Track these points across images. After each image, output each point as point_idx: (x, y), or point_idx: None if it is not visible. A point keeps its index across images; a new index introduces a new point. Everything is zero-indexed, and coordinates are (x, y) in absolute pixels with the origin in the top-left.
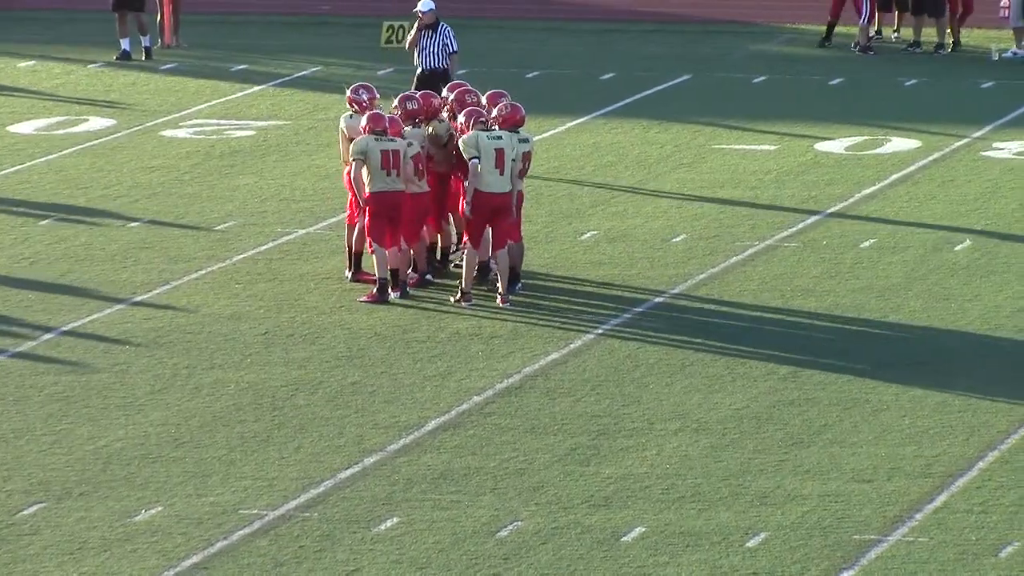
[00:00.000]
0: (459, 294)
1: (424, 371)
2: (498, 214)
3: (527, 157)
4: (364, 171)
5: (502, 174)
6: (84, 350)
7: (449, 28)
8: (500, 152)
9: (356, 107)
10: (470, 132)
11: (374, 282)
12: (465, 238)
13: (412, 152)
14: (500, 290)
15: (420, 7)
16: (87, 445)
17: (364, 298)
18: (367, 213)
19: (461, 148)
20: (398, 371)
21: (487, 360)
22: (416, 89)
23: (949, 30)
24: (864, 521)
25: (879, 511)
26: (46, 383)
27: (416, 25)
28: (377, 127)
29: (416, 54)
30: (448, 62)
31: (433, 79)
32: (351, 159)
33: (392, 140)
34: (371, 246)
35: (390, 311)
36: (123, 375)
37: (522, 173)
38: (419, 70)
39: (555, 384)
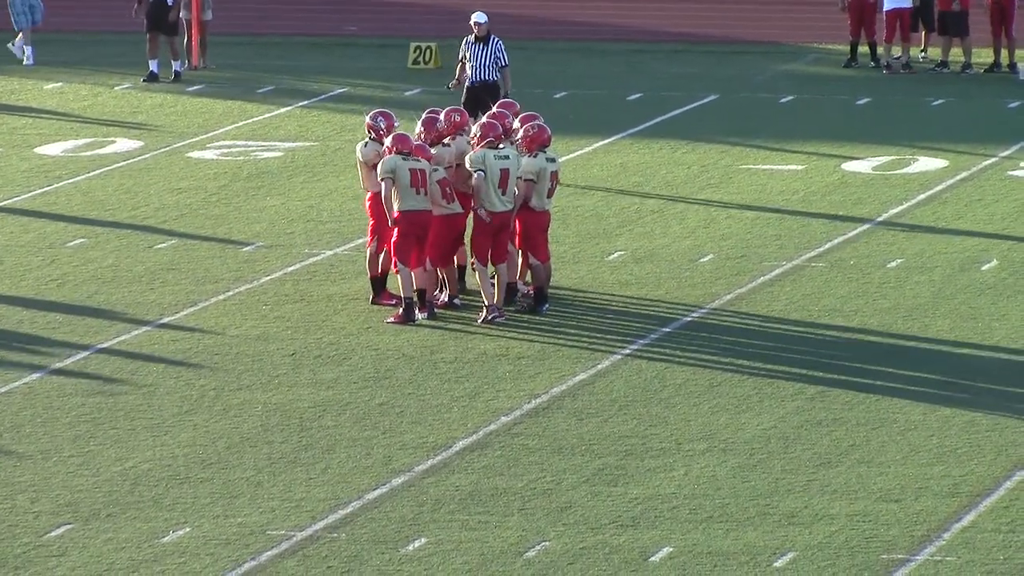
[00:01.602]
0: (485, 312)
1: (452, 392)
2: (501, 231)
3: (555, 177)
4: (393, 191)
5: (504, 193)
6: (111, 371)
7: (501, 42)
8: (505, 172)
9: (373, 133)
10: (478, 150)
11: (395, 304)
12: (473, 258)
13: (438, 176)
14: (487, 303)
15: (475, 18)
16: (114, 466)
17: (391, 319)
18: (396, 232)
19: (467, 164)
20: (425, 392)
21: (514, 381)
22: (465, 102)
23: (991, 49)
24: (892, 541)
25: (907, 531)
26: (73, 404)
27: (467, 39)
28: (404, 148)
29: (467, 67)
30: (499, 75)
31: (484, 92)
32: (380, 179)
33: (418, 160)
34: (395, 266)
35: (417, 332)
36: (150, 396)
37: (550, 193)
38: (468, 83)
39: (582, 404)
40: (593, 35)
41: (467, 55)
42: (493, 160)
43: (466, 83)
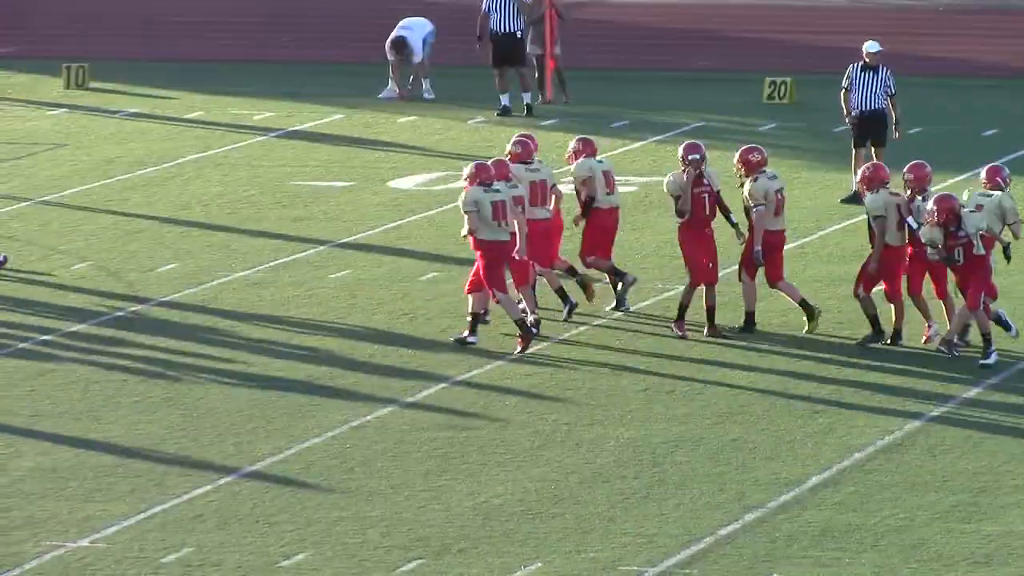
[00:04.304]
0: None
1: (805, 428)
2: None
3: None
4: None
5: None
6: (464, 405)
7: (889, 70)
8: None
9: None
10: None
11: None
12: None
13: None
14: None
15: (868, 47)
16: (466, 501)
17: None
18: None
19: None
20: (779, 427)
21: (868, 416)
22: (855, 133)
23: None
24: None
25: None
26: (425, 439)
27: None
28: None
29: (852, 95)
30: (888, 103)
31: (873, 120)
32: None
33: (498, 191)
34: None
35: (772, 367)
36: (503, 431)
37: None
38: (857, 113)
39: (936, 441)
40: (937, 69)
41: (851, 84)
42: (483, 195)
43: (854, 113)
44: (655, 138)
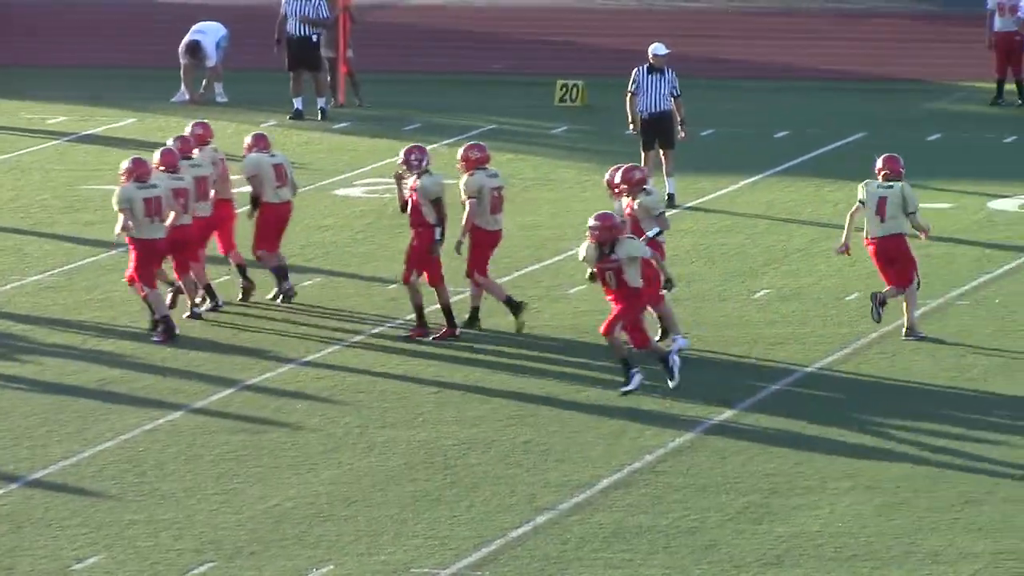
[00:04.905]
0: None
1: (597, 429)
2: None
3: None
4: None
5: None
6: (256, 409)
7: (673, 71)
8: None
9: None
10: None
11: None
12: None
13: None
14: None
15: (654, 50)
16: (258, 504)
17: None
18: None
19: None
20: (571, 429)
21: (659, 419)
22: (643, 132)
23: None
24: None
25: None
26: (217, 442)
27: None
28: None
29: (638, 98)
30: (673, 104)
31: (659, 122)
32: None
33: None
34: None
35: (562, 374)
36: (295, 434)
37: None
38: (646, 114)
39: (726, 444)
40: (738, 73)
41: (638, 87)
42: (136, 192)
43: (641, 116)
44: (446, 141)
